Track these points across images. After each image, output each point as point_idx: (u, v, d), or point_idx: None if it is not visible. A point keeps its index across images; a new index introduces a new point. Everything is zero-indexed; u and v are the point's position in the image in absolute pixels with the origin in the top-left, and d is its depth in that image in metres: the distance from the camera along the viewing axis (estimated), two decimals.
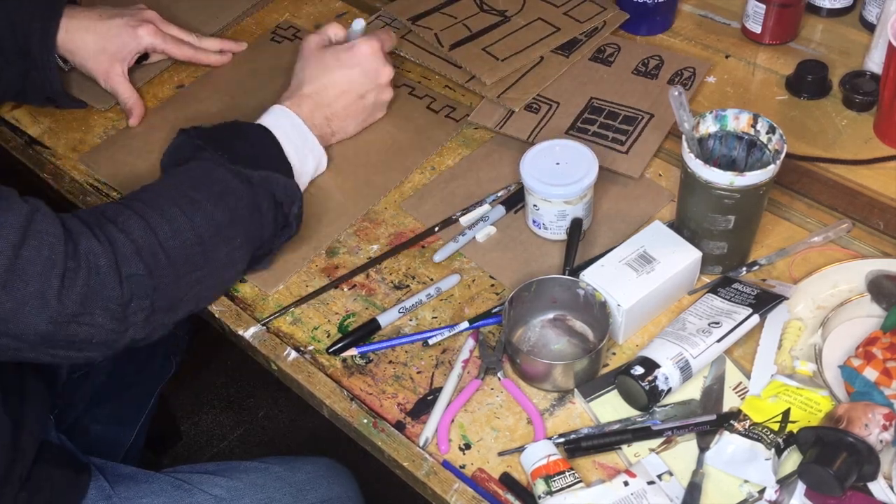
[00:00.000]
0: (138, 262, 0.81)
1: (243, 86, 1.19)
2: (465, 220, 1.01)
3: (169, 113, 1.16)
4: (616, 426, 0.83)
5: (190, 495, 1.02)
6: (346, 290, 0.97)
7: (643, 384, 0.81)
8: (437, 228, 1.01)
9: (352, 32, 1.08)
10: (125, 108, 1.14)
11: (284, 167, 0.96)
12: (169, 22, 1.18)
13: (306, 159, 1.00)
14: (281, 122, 0.99)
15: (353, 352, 0.91)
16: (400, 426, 0.86)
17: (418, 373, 0.90)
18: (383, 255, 0.99)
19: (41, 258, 0.76)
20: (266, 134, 0.97)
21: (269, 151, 0.96)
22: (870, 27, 1.16)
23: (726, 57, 1.18)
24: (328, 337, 0.93)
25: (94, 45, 1.11)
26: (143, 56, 1.18)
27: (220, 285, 0.93)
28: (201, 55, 1.20)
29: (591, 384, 0.86)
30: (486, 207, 1.02)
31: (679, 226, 0.93)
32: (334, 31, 1.08)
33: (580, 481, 0.79)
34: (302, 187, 0.98)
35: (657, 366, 0.82)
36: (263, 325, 0.94)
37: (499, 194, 1.03)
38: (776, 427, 0.80)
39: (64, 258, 0.77)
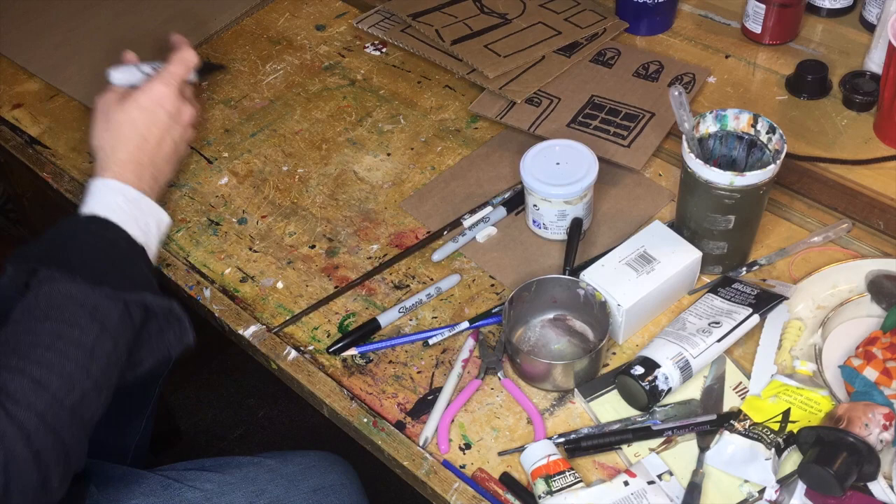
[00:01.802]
0: (46, 431, 0.74)
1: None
2: (467, 221, 1.01)
3: None
4: (616, 426, 0.83)
5: (179, 493, 1.01)
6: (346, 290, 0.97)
7: (643, 384, 0.81)
8: (445, 231, 1.01)
9: (142, 74, 1.01)
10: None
11: (138, 255, 0.89)
12: None
13: (149, 229, 0.93)
14: (113, 199, 0.90)
15: (353, 351, 0.91)
16: (400, 426, 0.86)
17: (418, 372, 0.90)
18: (393, 259, 0.99)
19: None
20: (104, 226, 0.88)
21: (117, 246, 0.88)
22: (870, 27, 1.16)
23: (726, 57, 1.18)
24: (328, 336, 0.93)
25: None
26: None
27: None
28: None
29: (591, 384, 0.86)
30: (488, 209, 1.02)
31: (679, 226, 0.93)
32: (121, 76, 1.01)
33: (580, 481, 0.79)
34: (152, 256, 0.92)
35: (657, 366, 0.82)
36: (273, 332, 0.94)
37: (505, 196, 1.03)
38: (776, 427, 0.80)
39: None
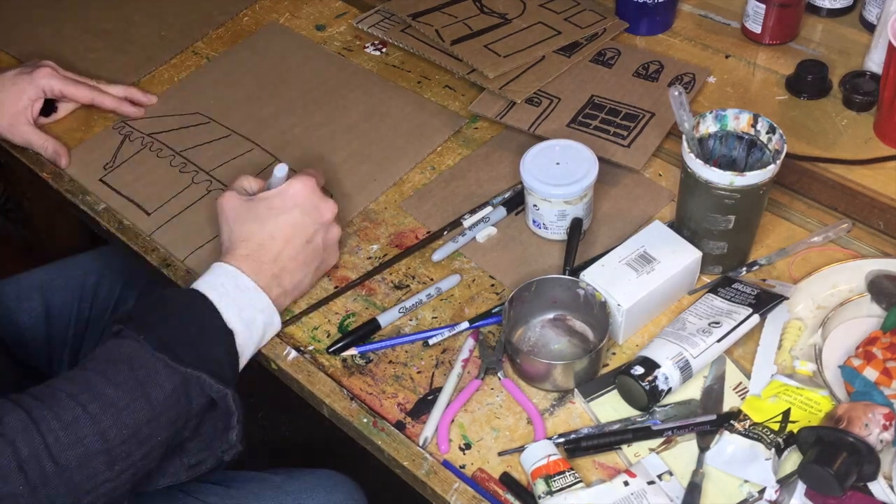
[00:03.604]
0: (19, 479, 0.67)
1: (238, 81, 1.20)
2: (467, 221, 1.01)
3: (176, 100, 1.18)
4: (616, 426, 0.83)
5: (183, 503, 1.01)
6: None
7: (643, 384, 0.81)
8: (446, 231, 1.01)
9: (274, 180, 0.94)
10: (46, 156, 1.10)
11: (223, 338, 0.83)
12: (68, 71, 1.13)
13: (254, 322, 0.85)
14: (221, 281, 0.85)
15: (353, 351, 0.91)
16: (400, 426, 0.86)
17: (418, 373, 0.90)
18: (394, 259, 0.99)
19: None
20: (199, 301, 0.82)
21: (202, 320, 0.82)
22: (870, 27, 1.16)
23: (726, 57, 1.18)
24: (328, 337, 0.93)
25: None
26: (51, 109, 1.15)
27: (135, 489, 0.79)
28: (107, 99, 1.14)
29: (591, 384, 0.86)
30: (488, 209, 1.02)
31: (679, 226, 0.93)
32: (248, 182, 0.94)
33: (580, 481, 0.79)
34: (245, 357, 0.86)
35: (657, 366, 0.82)
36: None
37: (505, 196, 1.03)
38: (776, 427, 0.80)
39: None
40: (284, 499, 1.04)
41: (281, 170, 0.93)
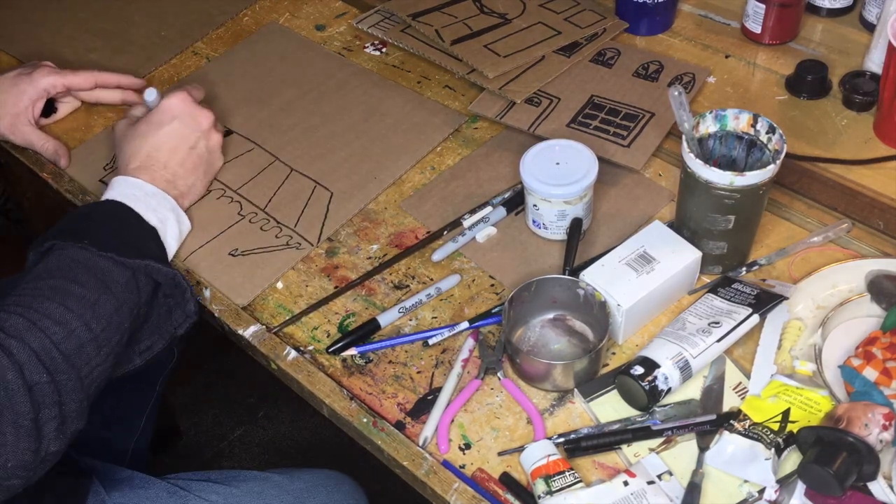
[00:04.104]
0: (40, 368, 0.75)
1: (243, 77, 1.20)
2: (467, 221, 1.01)
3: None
4: (616, 426, 0.83)
5: (185, 502, 1.01)
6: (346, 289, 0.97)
7: (643, 384, 0.81)
8: (446, 231, 1.01)
9: (149, 104, 1.04)
10: (47, 156, 1.11)
11: (151, 234, 0.93)
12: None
13: (167, 220, 0.96)
14: (128, 190, 0.94)
15: (352, 351, 0.91)
16: (400, 426, 0.86)
17: (418, 372, 0.90)
18: (394, 258, 0.99)
19: None
20: (117, 207, 0.92)
21: (128, 223, 0.92)
22: (870, 27, 1.16)
23: (726, 57, 1.18)
24: (328, 336, 0.93)
25: None
26: (51, 110, 1.15)
27: (119, 370, 0.90)
28: (114, 93, 1.17)
29: (591, 384, 0.86)
30: (488, 209, 1.02)
31: (679, 226, 0.93)
32: (139, 109, 1.06)
33: (580, 481, 0.79)
34: (170, 249, 0.96)
35: (657, 366, 0.82)
36: (273, 332, 0.94)
37: (505, 196, 1.03)
38: (776, 427, 0.80)
39: None
40: (285, 498, 1.04)
41: (150, 94, 1.03)
